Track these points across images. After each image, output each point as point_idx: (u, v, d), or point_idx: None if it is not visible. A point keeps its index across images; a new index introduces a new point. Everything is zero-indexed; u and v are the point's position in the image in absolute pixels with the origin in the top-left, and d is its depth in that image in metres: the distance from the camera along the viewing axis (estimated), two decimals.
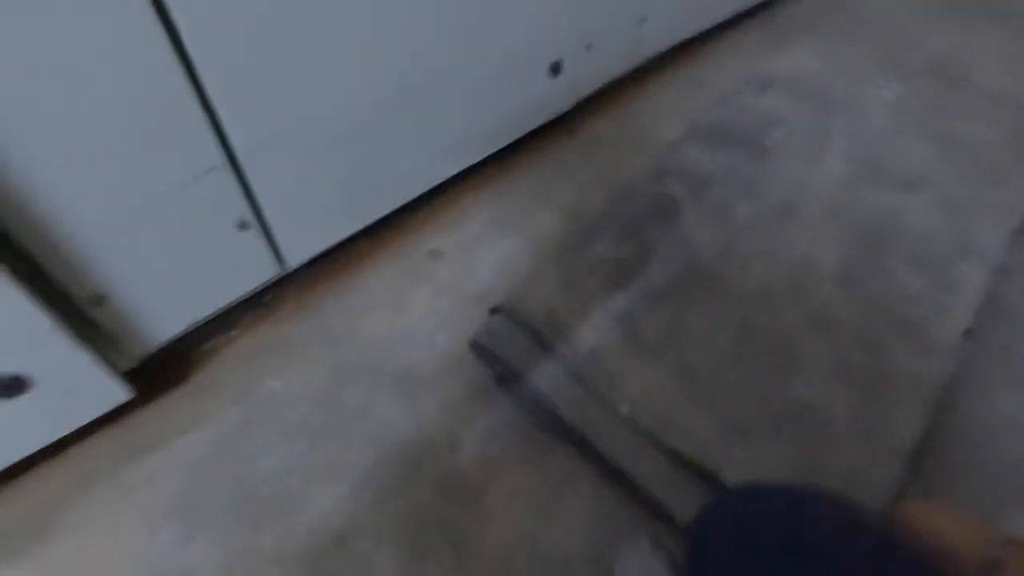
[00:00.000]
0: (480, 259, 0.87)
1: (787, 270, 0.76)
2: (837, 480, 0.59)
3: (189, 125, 0.54)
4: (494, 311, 0.72)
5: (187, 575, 0.58)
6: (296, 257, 0.75)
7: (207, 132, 0.56)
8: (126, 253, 0.57)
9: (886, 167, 0.91)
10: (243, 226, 0.65)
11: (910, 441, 0.62)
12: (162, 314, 0.64)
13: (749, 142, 0.94)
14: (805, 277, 0.76)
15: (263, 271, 0.72)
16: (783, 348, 0.69)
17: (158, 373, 0.72)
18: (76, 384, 0.56)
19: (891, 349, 0.69)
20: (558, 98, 0.98)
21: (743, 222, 0.81)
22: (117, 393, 0.60)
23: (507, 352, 0.67)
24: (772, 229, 0.81)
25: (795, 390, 0.65)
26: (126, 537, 0.61)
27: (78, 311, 0.57)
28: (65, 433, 0.59)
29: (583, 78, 0.99)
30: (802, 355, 0.68)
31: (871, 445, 0.62)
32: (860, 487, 0.59)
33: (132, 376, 0.68)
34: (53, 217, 0.51)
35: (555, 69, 0.91)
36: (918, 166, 0.91)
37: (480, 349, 0.69)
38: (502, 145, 0.93)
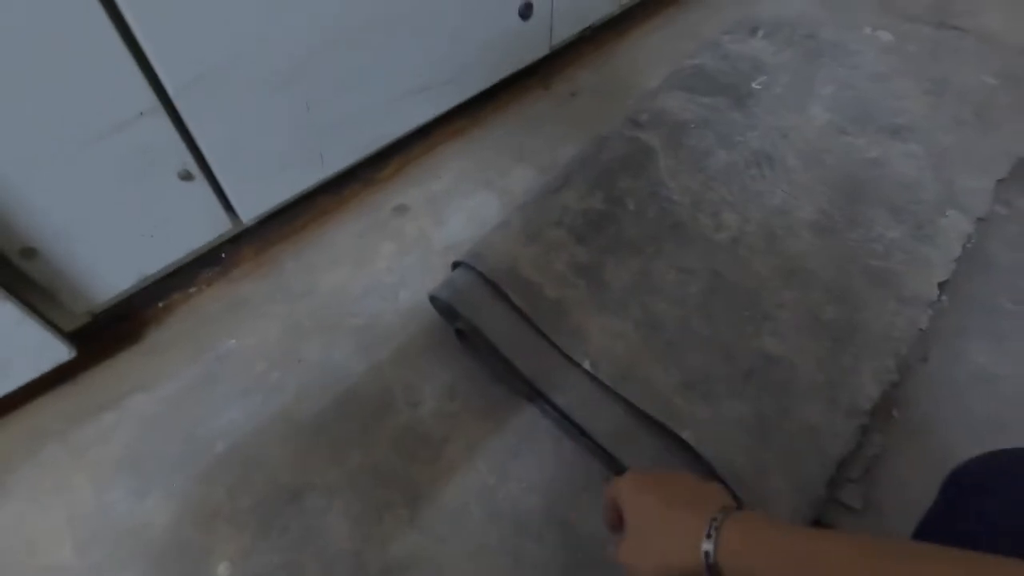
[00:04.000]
0: (449, 214, 0.84)
1: (761, 220, 0.73)
2: (797, 436, 0.58)
3: (110, 62, 0.51)
4: (456, 264, 0.69)
5: (138, 532, 0.58)
6: (250, 211, 0.71)
7: (133, 70, 0.52)
8: (55, 205, 0.54)
9: (872, 114, 0.87)
10: (186, 176, 0.62)
11: (877, 396, 0.61)
12: (106, 270, 0.62)
13: (731, 89, 0.89)
14: (779, 227, 0.73)
15: (214, 226, 0.69)
16: (753, 300, 0.66)
17: (112, 332, 0.70)
18: (9, 341, 0.54)
19: (864, 301, 0.67)
20: (530, 44, 0.93)
21: (719, 171, 0.78)
22: (57, 351, 0.58)
23: (467, 306, 0.65)
24: (749, 178, 0.78)
25: (762, 343, 0.63)
26: (76, 496, 0.60)
27: (9, 265, 0.55)
28: (5, 392, 0.57)
29: (557, 22, 0.94)
30: (772, 307, 0.66)
31: (835, 400, 0.60)
32: (818, 444, 0.58)
33: (84, 335, 0.66)
34: None
35: (525, 11, 0.86)
36: (906, 114, 0.87)
37: (440, 303, 0.67)
38: (472, 93, 0.89)
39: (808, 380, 0.61)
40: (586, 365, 0.62)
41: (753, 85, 0.90)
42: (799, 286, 0.68)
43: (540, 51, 0.95)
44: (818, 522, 0.56)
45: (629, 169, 0.78)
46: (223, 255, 0.76)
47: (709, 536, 0.37)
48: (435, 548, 0.56)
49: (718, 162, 0.79)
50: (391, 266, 0.78)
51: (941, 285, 0.69)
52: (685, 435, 0.56)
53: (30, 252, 0.54)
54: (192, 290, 0.74)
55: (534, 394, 0.63)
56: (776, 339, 0.64)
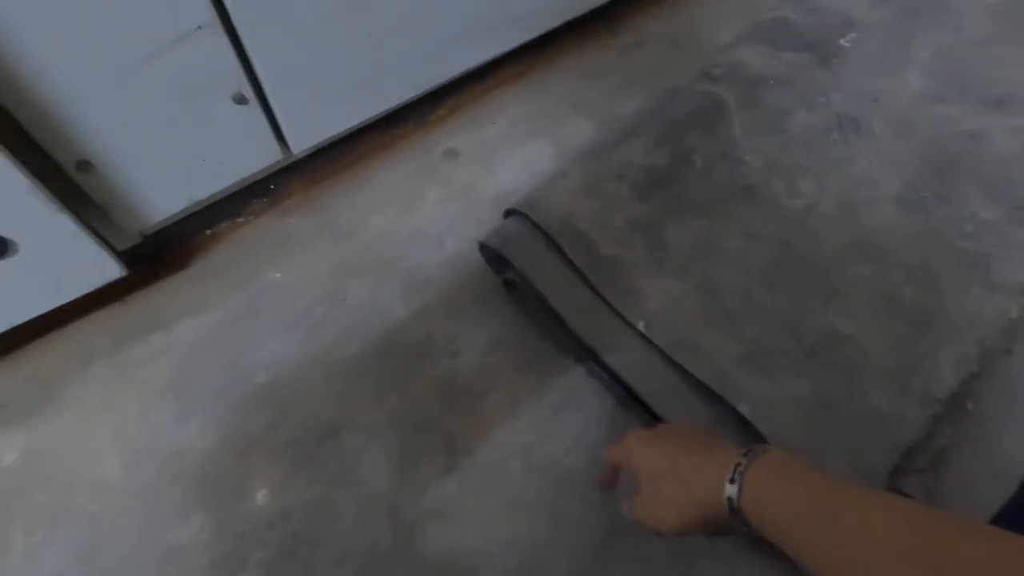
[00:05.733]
0: (500, 162, 0.81)
1: (840, 189, 0.68)
2: (862, 420, 0.54)
3: None
4: (508, 213, 0.66)
5: (180, 455, 0.58)
6: (301, 143, 0.69)
7: None
8: (110, 118, 0.53)
9: (973, 83, 0.79)
10: (240, 100, 0.60)
11: (955, 385, 0.56)
12: (156, 190, 0.61)
13: (816, 45, 0.82)
14: (860, 199, 0.67)
15: (265, 155, 0.67)
16: (823, 274, 0.62)
17: (161, 255, 0.70)
18: (63, 253, 0.53)
19: (947, 285, 0.62)
20: None
21: (798, 133, 0.72)
22: (109, 268, 0.58)
23: (518, 256, 0.62)
24: (830, 143, 0.71)
25: (831, 320, 0.59)
26: (123, 413, 0.61)
27: (66, 179, 0.54)
28: (57, 304, 0.58)
29: None
30: (844, 283, 0.61)
31: (907, 385, 0.56)
32: (884, 430, 0.54)
33: (134, 257, 0.66)
34: (31, 72, 0.47)
35: None
36: (1012, 83, 0.78)
37: (489, 252, 0.64)
38: (535, 34, 0.84)
39: (879, 362, 0.57)
40: (640, 326, 0.59)
41: (841, 42, 0.83)
42: (876, 263, 0.63)
43: None
44: None
45: (699, 125, 0.72)
46: (272, 187, 0.74)
47: (732, 481, 0.35)
48: (471, 499, 0.55)
49: (797, 124, 0.73)
50: (438, 212, 0.76)
51: None
52: (742, 408, 0.53)
53: (86, 165, 0.53)
54: (240, 220, 0.74)
55: (582, 353, 0.61)
56: (846, 317, 0.59)
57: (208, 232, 0.72)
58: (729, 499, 0.35)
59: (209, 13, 0.52)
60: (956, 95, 0.77)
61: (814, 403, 0.55)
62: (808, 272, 0.62)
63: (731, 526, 0.36)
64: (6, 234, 0.49)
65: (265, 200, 0.75)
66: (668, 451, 0.41)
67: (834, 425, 0.54)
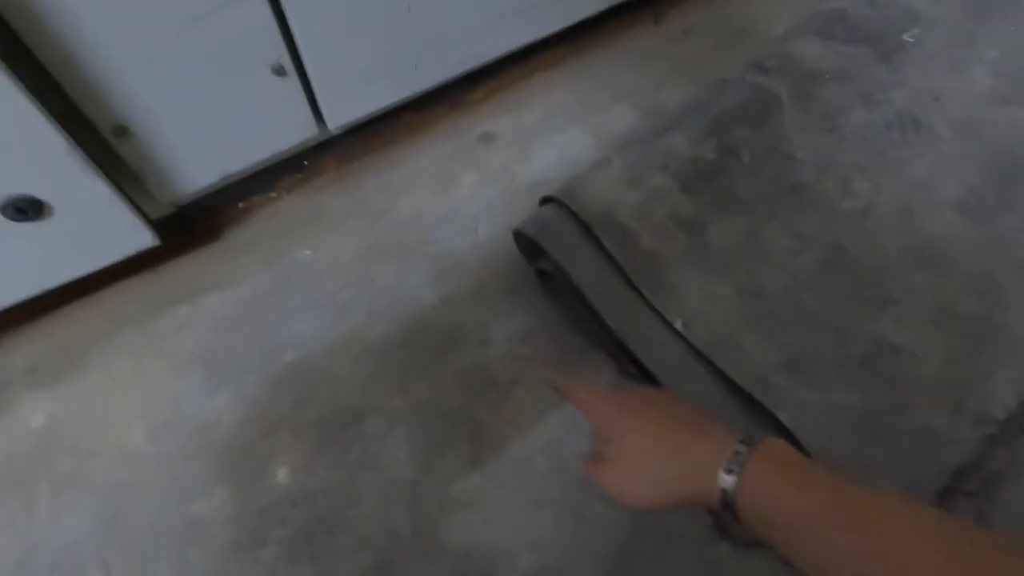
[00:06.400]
0: (537, 148, 0.79)
1: (898, 192, 0.64)
2: (911, 436, 0.51)
3: None
4: (545, 200, 0.64)
5: (207, 427, 0.58)
6: (337, 119, 0.68)
7: None
8: (149, 84, 0.52)
9: None
10: (279, 71, 0.59)
11: (1015, 406, 0.53)
12: (191, 160, 0.60)
13: (876, 39, 0.78)
14: (919, 203, 0.64)
15: (301, 129, 0.66)
16: (876, 280, 0.59)
17: (192, 227, 0.70)
18: (96, 218, 0.53)
19: (1009, 298, 0.58)
20: None
21: (854, 131, 0.68)
22: (142, 236, 0.58)
23: (554, 246, 0.60)
24: (888, 143, 0.68)
25: (882, 329, 0.56)
26: (151, 380, 0.60)
27: (103, 144, 0.54)
28: (90, 270, 0.58)
29: None
30: (898, 291, 0.58)
31: (961, 403, 0.53)
32: (935, 448, 0.51)
33: (166, 227, 0.65)
34: (71, 34, 0.46)
35: None
36: None
37: (524, 240, 0.62)
38: (579, 18, 0.81)
39: (932, 377, 0.54)
40: (678, 325, 0.56)
41: (904, 37, 0.78)
42: (933, 271, 0.59)
43: None
44: None
45: (748, 118, 0.69)
46: (306, 163, 0.73)
47: (730, 472, 0.32)
48: (495, 493, 0.54)
49: (854, 121, 0.69)
50: (472, 196, 0.74)
51: None
52: (782, 416, 0.51)
53: (123, 131, 0.53)
54: (272, 194, 0.73)
55: (616, 349, 0.59)
56: (899, 327, 0.56)
57: (241, 205, 0.72)
58: (724, 491, 0.32)
59: None
60: None
61: (861, 415, 0.52)
62: (860, 278, 0.59)
63: (718, 517, 0.33)
64: (41, 196, 0.49)
65: (299, 176, 0.74)
66: (655, 425, 0.37)
67: (882, 440, 0.51)
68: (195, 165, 0.60)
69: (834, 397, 0.53)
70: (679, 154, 0.66)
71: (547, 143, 0.79)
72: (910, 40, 0.78)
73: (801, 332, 0.56)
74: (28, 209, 0.48)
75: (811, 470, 0.32)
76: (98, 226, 0.54)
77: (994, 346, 0.55)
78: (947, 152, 0.67)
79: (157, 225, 0.61)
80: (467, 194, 0.74)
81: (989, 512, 0.51)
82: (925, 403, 0.53)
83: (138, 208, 0.57)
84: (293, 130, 0.65)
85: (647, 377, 0.57)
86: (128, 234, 0.56)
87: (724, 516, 0.33)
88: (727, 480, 0.32)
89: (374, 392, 0.60)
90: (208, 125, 0.58)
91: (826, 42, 0.77)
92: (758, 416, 0.53)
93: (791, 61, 0.75)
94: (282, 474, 0.55)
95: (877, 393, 0.53)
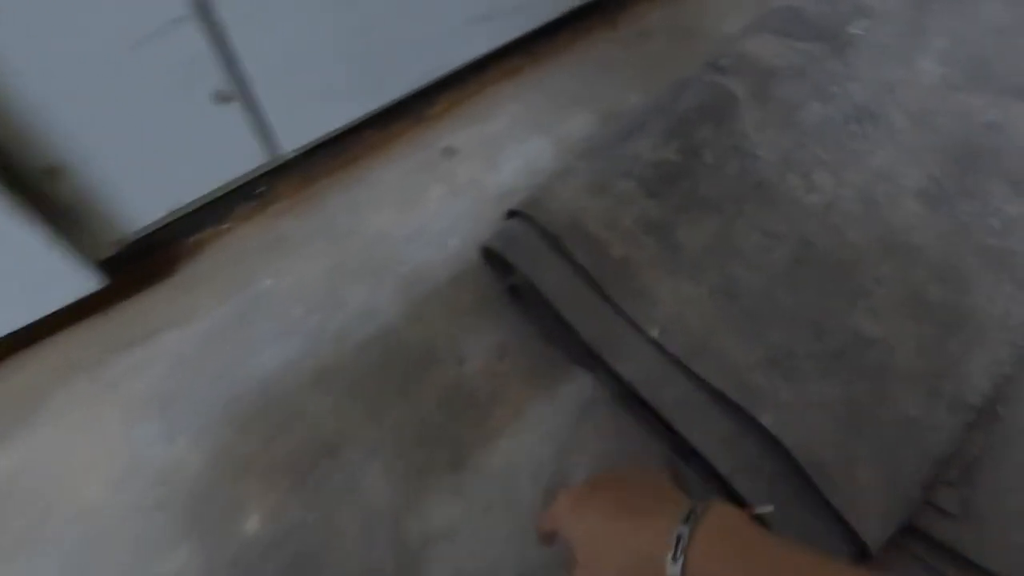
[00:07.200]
0: (502, 159, 0.77)
1: (860, 184, 0.65)
2: (892, 428, 0.51)
3: None
4: (511, 214, 0.63)
5: (168, 476, 0.55)
6: (292, 142, 0.66)
7: None
8: (81, 119, 0.49)
9: (993, 72, 0.76)
10: (223, 98, 0.56)
11: (988, 390, 0.53)
12: (134, 197, 0.57)
13: (829, 34, 0.79)
14: (881, 194, 0.64)
15: (252, 156, 0.64)
16: (847, 273, 0.59)
17: (143, 264, 0.66)
18: (34, 265, 0.50)
19: (977, 284, 0.59)
20: None
21: (813, 126, 0.69)
22: (87, 279, 0.54)
23: (522, 260, 0.59)
24: (847, 136, 0.68)
25: (856, 321, 0.56)
26: (106, 430, 0.57)
27: (36, 187, 0.50)
28: (32, 319, 0.54)
29: None
30: (869, 282, 0.58)
31: (937, 390, 0.53)
32: (915, 438, 0.51)
33: (114, 266, 0.62)
34: None
35: None
36: None
37: (492, 256, 0.61)
38: (536, 24, 0.80)
39: (907, 366, 0.54)
40: (654, 334, 0.55)
41: (855, 31, 0.80)
42: (900, 261, 0.60)
43: None
44: (910, 526, 0.49)
45: (708, 118, 0.69)
46: (262, 188, 0.70)
47: (676, 560, 0.32)
48: (479, 520, 0.52)
49: (812, 116, 0.70)
50: (440, 211, 0.72)
51: None
52: (765, 420, 0.50)
53: (53, 171, 0.50)
54: (227, 225, 0.70)
55: (592, 361, 0.57)
56: (872, 318, 0.56)
57: (193, 239, 0.69)
58: None
59: (186, 6, 0.48)
60: (975, 85, 0.74)
61: (843, 409, 0.51)
62: (831, 271, 0.59)
63: None
64: None
65: (254, 203, 0.71)
66: (602, 512, 0.37)
67: (864, 434, 0.50)
68: (139, 201, 0.57)
69: (815, 393, 0.52)
70: (642, 158, 0.65)
71: (512, 153, 0.78)
72: (860, 33, 0.80)
73: (778, 329, 0.56)
74: None
75: (754, 539, 0.32)
76: (37, 272, 0.50)
77: (964, 332, 0.56)
78: (905, 142, 0.68)
79: (104, 265, 0.57)
80: (434, 209, 0.72)
81: (973, 501, 0.51)
82: (903, 393, 0.53)
83: (81, 250, 0.54)
84: (241, 159, 0.63)
85: (625, 389, 0.56)
86: (71, 278, 0.53)
87: None
88: (674, 569, 0.32)
89: (348, 421, 0.58)
90: (149, 159, 0.55)
91: (780, 39, 0.78)
92: (741, 422, 0.52)
93: (747, 60, 0.75)
94: (252, 521, 0.52)
95: (857, 386, 0.53)
